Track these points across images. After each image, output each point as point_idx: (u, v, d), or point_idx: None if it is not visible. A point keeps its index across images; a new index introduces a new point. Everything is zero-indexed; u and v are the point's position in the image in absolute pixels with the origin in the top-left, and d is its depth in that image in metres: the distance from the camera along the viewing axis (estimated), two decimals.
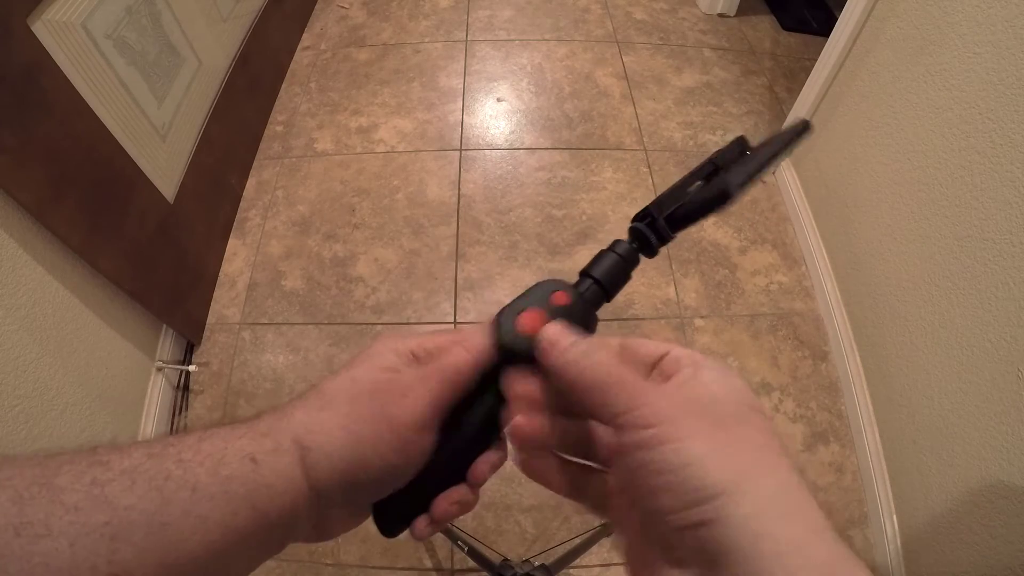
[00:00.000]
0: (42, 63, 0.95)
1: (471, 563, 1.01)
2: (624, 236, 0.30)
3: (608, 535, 0.97)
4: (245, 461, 0.23)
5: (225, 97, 1.57)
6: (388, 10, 2.16)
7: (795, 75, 1.95)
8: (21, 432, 0.90)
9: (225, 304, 1.47)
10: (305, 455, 0.24)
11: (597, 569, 1.13)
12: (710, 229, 1.57)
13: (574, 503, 0.28)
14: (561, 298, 0.28)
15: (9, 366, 0.88)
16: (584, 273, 0.29)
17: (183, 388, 1.35)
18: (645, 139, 1.75)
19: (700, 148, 1.75)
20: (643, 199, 1.60)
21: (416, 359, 0.27)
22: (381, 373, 0.26)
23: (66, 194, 0.99)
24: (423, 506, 0.28)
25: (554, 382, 0.25)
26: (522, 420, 0.26)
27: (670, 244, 0.29)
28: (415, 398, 0.26)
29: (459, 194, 1.64)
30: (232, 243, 1.57)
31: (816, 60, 1.44)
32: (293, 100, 1.89)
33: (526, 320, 0.27)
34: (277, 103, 1.89)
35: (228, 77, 1.60)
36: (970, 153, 0.96)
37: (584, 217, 1.58)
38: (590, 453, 0.27)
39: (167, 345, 1.33)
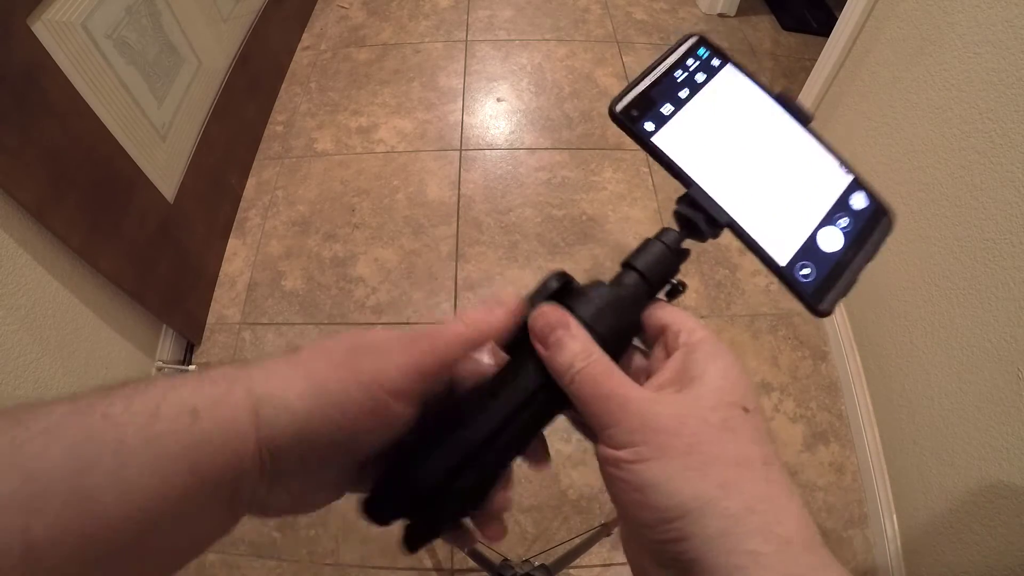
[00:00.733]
0: (42, 63, 0.95)
1: (471, 563, 1.01)
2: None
3: (608, 535, 0.97)
4: (183, 414, 0.19)
5: (225, 97, 1.57)
6: (388, 10, 2.16)
7: (795, 75, 1.95)
8: None
9: (225, 304, 1.47)
10: (258, 406, 0.21)
11: (597, 569, 1.13)
12: None
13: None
14: (595, 294, 0.25)
15: (9, 366, 0.88)
16: (626, 264, 0.27)
17: None
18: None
19: None
20: (643, 199, 1.60)
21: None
22: (363, 335, 0.24)
23: (66, 194, 0.99)
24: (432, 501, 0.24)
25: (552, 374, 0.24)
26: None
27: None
28: (393, 357, 0.23)
29: (459, 194, 1.64)
30: (232, 243, 1.57)
31: (816, 60, 1.44)
32: (293, 100, 1.89)
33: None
34: (277, 103, 1.89)
35: (228, 77, 1.60)
36: (970, 153, 0.96)
37: (584, 217, 1.58)
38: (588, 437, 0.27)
39: (167, 345, 1.33)
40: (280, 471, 0.22)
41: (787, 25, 2.14)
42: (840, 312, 1.37)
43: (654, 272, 0.26)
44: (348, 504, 0.27)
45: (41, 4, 0.95)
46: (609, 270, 0.27)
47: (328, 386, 0.22)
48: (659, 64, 0.28)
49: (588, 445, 0.26)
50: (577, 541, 0.99)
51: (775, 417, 1.29)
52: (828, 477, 1.23)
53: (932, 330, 1.05)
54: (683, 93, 0.28)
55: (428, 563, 1.15)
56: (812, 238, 0.26)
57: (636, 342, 0.28)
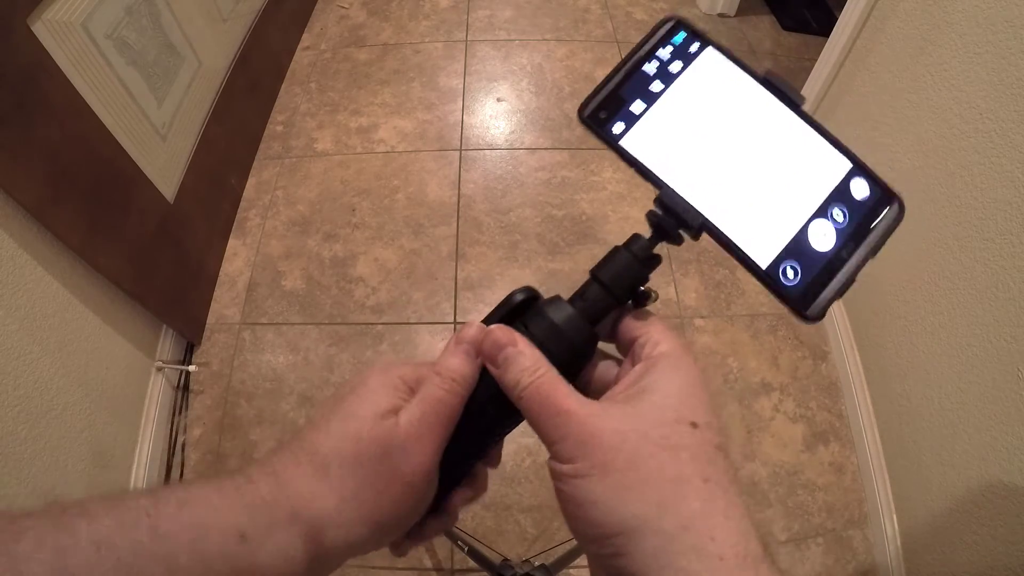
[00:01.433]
0: (42, 63, 0.95)
1: (471, 563, 1.01)
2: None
3: None
4: (232, 537, 0.20)
5: (225, 97, 1.57)
6: (388, 10, 2.16)
7: (795, 75, 1.95)
8: (21, 432, 0.90)
9: (225, 304, 1.47)
10: (313, 532, 0.22)
11: None
12: None
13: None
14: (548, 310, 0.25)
15: (9, 366, 0.88)
16: (592, 274, 0.26)
17: (183, 388, 1.35)
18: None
19: None
20: (643, 199, 1.60)
21: (410, 389, 0.26)
22: (381, 425, 0.24)
23: (66, 194, 0.99)
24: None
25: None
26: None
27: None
28: (422, 450, 0.24)
29: (459, 194, 1.64)
30: (232, 243, 1.57)
31: (816, 60, 1.44)
32: (293, 100, 1.89)
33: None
34: (277, 103, 1.89)
35: (228, 77, 1.60)
36: (970, 153, 0.96)
37: (584, 217, 1.58)
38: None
39: (167, 345, 1.32)
40: (324, 570, 0.23)
41: (787, 25, 2.14)
42: (840, 312, 1.37)
43: (618, 283, 0.26)
44: None
45: (41, 4, 0.95)
46: None
47: (379, 502, 0.23)
48: (630, 58, 0.26)
49: None
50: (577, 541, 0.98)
51: (775, 417, 1.30)
52: (828, 477, 1.23)
53: (932, 330, 1.05)
54: (656, 87, 0.25)
55: (428, 563, 1.15)
56: (801, 235, 0.24)
57: (615, 351, 0.28)
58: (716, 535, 0.20)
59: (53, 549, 0.18)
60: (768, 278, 0.24)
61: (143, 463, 1.20)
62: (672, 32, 0.26)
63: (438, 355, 0.26)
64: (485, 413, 0.26)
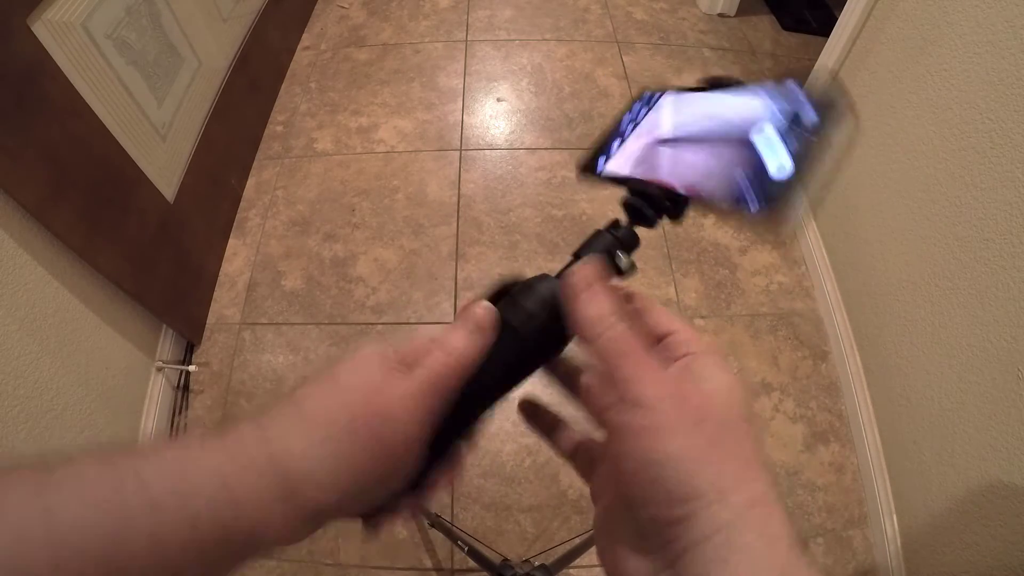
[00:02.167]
0: (42, 63, 0.95)
1: (471, 563, 1.01)
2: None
3: None
4: (213, 480, 0.21)
5: (225, 97, 1.57)
6: (388, 10, 2.16)
7: (795, 75, 1.94)
8: (21, 432, 0.90)
9: (225, 304, 1.47)
10: (289, 484, 0.22)
11: (597, 569, 1.13)
12: (710, 229, 1.56)
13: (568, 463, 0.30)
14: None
15: (9, 366, 0.88)
16: (575, 255, 0.28)
17: (183, 388, 1.35)
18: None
19: None
20: None
21: (403, 363, 0.26)
22: (375, 393, 0.24)
23: (66, 194, 0.99)
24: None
25: (574, 329, 0.25)
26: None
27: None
28: (413, 422, 0.24)
29: (459, 194, 1.64)
30: (232, 243, 1.57)
31: (816, 60, 1.44)
32: (293, 100, 1.89)
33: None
34: (277, 103, 1.89)
35: (228, 77, 1.60)
36: (970, 153, 0.96)
37: (584, 217, 1.58)
38: (588, 408, 0.28)
39: (167, 345, 1.33)
40: (303, 526, 0.23)
41: (787, 25, 2.15)
42: (840, 312, 1.37)
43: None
44: None
45: (41, 4, 0.95)
46: None
47: (360, 462, 0.23)
48: (611, 125, 0.32)
49: None
50: (577, 541, 0.99)
51: (775, 417, 1.30)
52: (828, 477, 1.23)
53: (932, 330, 1.05)
54: (628, 128, 0.31)
55: (428, 563, 1.15)
56: (760, 169, 0.25)
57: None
58: (773, 519, 0.21)
59: (42, 509, 0.18)
60: (746, 214, 0.24)
61: None
62: (641, 96, 0.32)
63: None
64: (482, 390, 0.26)
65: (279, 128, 1.82)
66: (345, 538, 1.16)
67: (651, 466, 0.21)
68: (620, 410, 0.22)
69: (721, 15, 2.15)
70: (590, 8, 2.15)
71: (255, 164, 1.73)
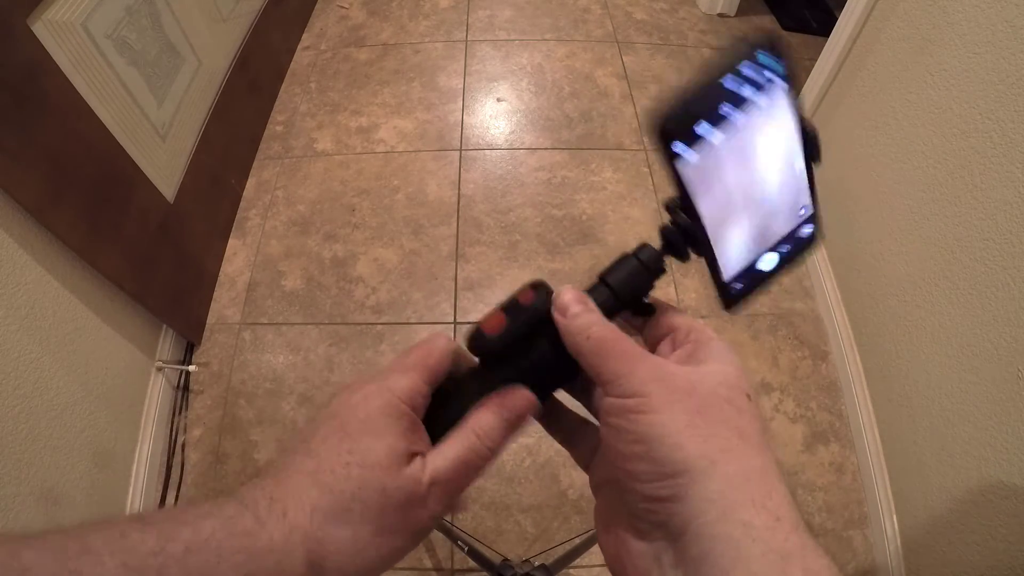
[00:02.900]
0: (42, 63, 0.95)
1: (471, 563, 1.01)
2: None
3: None
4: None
5: (225, 97, 1.57)
6: (388, 10, 2.16)
7: (795, 75, 1.94)
8: (22, 432, 0.90)
9: (225, 304, 1.47)
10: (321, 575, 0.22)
11: (597, 569, 1.13)
12: None
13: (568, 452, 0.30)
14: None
15: (9, 366, 0.88)
16: (601, 278, 0.27)
17: (183, 388, 1.35)
18: (645, 139, 1.75)
19: None
20: (643, 199, 1.60)
21: (414, 418, 0.25)
22: (404, 475, 0.23)
23: (66, 194, 0.99)
24: None
25: (565, 342, 0.25)
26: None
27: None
28: (442, 502, 0.24)
29: (459, 194, 1.64)
30: (232, 243, 1.57)
31: (816, 60, 1.44)
32: (293, 100, 1.89)
33: (492, 321, 0.25)
34: (277, 103, 1.89)
35: (228, 77, 1.60)
36: (970, 153, 0.96)
37: (584, 217, 1.58)
38: (589, 406, 0.28)
39: (167, 345, 1.33)
40: None
41: (787, 25, 2.15)
42: (840, 312, 1.37)
43: (625, 288, 0.26)
44: None
45: (41, 4, 0.95)
46: None
47: (381, 549, 0.23)
48: (712, 72, 0.24)
49: None
50: (577, 541, 0.99)
51: (775, 417, 1.30)
52: (828, 477, 1.23)
53: (932, 330, 1.05)
54: (724, 111, 0.24)
55: (428, 563, 1.15)
56: (755, 261, 0.27)
57: None
58: (774, 495, 0.20)
59: None
60: (723, 287, 0.27)
61: (143, 463, 1.20)
62: (755, 62, 0.24)
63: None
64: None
65: (279, 128, 1.82)
66: None
67: (638, 443, 0.21)
68: (611, 398, 0.23)
69: (721, 15, 2.15)
70: (590, 8, 2.15)
71: (255, 164, 1.73)
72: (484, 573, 0.97)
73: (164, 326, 1.32)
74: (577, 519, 1.18)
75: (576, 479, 1.21)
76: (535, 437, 1.25)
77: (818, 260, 1.46)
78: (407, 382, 0.25)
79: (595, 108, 1.83)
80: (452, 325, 1.43)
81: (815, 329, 1.42)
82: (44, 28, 0.96)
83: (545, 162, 1.70)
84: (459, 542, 0.99)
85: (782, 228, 0.27)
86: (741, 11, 2.15)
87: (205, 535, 0.20)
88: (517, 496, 1.20)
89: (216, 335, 1.42)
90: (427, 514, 0.24)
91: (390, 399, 0.24)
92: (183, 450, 1.28)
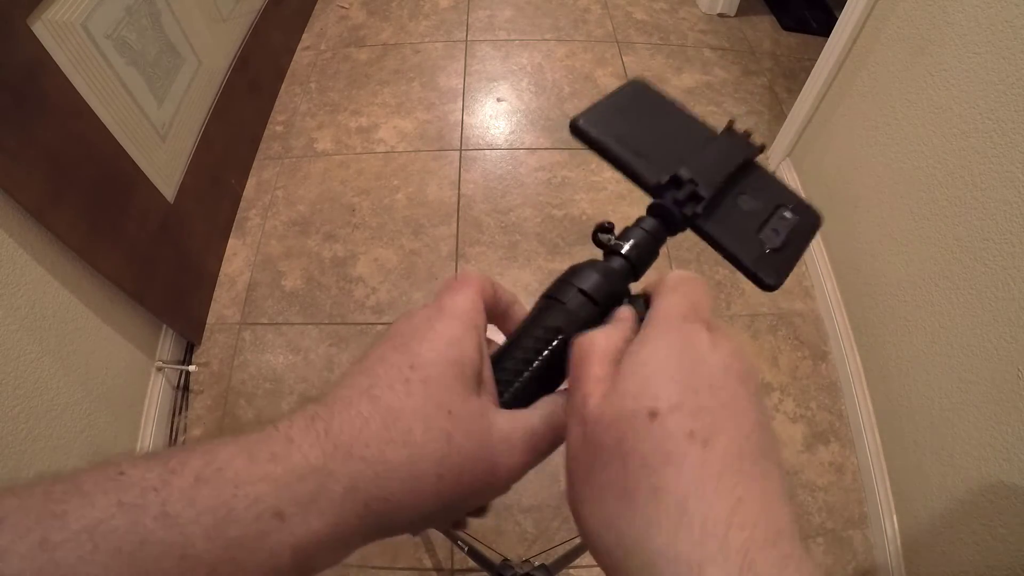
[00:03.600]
0: (42, 63, 0.95)
1: (471, 563, 1.01)
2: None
3: None
4: (264, 516, 0.16)
5: (225, 97, 1.57)
6: (388, 10, 2.16)
7: (795, 75, 1.95)
8: (22, 431, 0.90)
9: (225, 304, 1.47)
10: (369, 512, 0.18)
11: (597, 569, 1.13)
12: None
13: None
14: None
15: (9, 366, 0.88)
16: (609, 251, 0.29)
17: (183, 388, 1.35)
18: None
19: None
20: (643, 199, 1.60)
21: (482, 334, 0.22)
22: (467, 398, 0.20)
23: (66, 194, 0.99)
24: None
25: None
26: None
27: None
28: (523, 461, 0.22)
29: (459, 194, 1.64)
30: (232, 243, 1.57)
31: (816, 60, 1.44)
32: (293, 100, 1.89)
33: None
34: (277, 103, 1.89)
35: (228, 77, 1.60)
36: (970, 153, 0.96)
37: (584, 217, 1.58)
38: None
39: (167, 345, 1.33)
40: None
41: (787, 25, 2.15)
42: (840, 312, 1.37)
43: (639, 258, 0.30)
44: None
45: (41, 4, 0.95)
46: None
47: (444, 493, 0.19)
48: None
49: None
50: (577, 541, 0.99)
51: (775, 417, 1.29)
52: (828, 477, 1.23)
53: (932, 330, 1.05)
54: None
55: (428, 563, 1.15)
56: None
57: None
58: (660, 559, 0.16)
59: (39, 540, 0.14)
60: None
61: None
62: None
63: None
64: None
65: (279, 128, 1.82)
66: None
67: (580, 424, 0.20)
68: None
69: (721, 15, 2.15)
70: (590, 8, 2.15)
71: (255, 164, 1.73)
72: (484, 573, 0.97)
73: (164, 326, 1.32)
74: None
75: None
76: None
77: (818, 260, 1.46)
78: (463, 298, 0.22)
79: None
80: None
81: (815, 329, 1.42)
82: (44, 28, 0.96)
83: (545, 162, 1.70)
84: (459, 542, 0.99)
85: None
86: (741, 11, 2.15)
87: (219, 463, 0.17)
88: (517, 496, 1.20)
89: (216, 335, 1.42)
90: (507, 464, 0.20)
91: (454, 314, 0.21)
92: None
